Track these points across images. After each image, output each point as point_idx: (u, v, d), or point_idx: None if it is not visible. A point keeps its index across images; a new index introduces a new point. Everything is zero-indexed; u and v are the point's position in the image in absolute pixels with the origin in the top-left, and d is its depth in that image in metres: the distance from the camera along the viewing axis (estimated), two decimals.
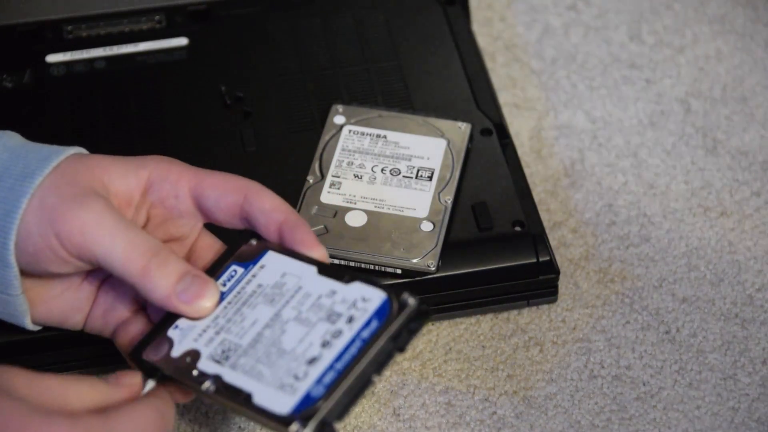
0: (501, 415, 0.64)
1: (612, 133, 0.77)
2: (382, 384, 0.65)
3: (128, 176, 0.57)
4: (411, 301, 0.53)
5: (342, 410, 0.51)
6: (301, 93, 0.74)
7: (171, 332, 0.55)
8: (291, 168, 0.69)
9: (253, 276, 0.56)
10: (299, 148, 0.71)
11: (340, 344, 0.52)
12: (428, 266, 0.64)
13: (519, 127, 0.78)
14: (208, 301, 0.55)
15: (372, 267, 0.65)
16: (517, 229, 0.67)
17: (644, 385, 0.65)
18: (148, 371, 0.54)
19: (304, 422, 0.50)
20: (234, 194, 0.57)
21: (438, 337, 0.67)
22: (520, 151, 0.73)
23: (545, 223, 0.69)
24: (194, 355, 0.54)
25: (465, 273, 0.65)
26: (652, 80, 0.81)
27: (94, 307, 0.59)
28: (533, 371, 0.65)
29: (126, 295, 0.59)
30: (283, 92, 0.74)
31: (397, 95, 0.74)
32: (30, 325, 0.59)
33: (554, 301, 0.68)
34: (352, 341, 0.52)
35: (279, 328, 0.54)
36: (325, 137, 0.70)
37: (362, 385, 0.51)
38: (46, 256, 0.55)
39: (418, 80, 0.75)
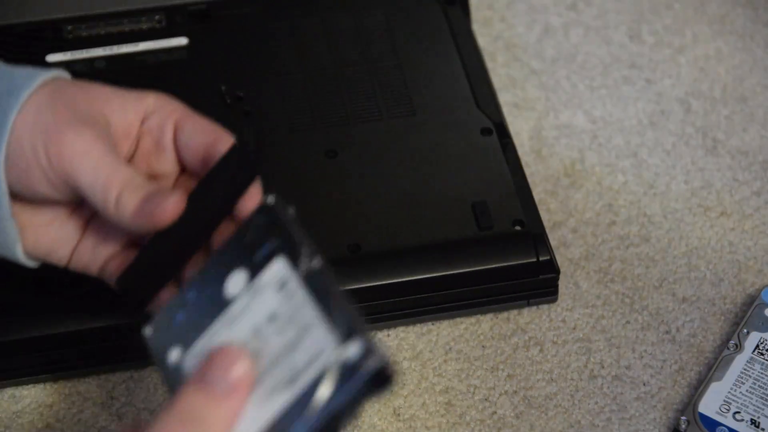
0: (501, 415, 0.64)
1: (612, 133, 0.77)
2: None
3: (127, 108, 0.58)
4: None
5: None
6: (301, 93, 0.74)
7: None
8: (291, 168, 0.69)
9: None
10: (299, 148, 0.71)
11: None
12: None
13: (519, 127, 0.78)
14: (168, 214, 0.53)
15: None
16: (517, 228, 0.67)
17: (644, 385, 0.65)
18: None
19: None
20: (205, 135, 0.57)
21: (438, 336, 0.67)
22: (520, 151, 0.73)
23: (545, 223, 0.69)
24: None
25: (465, 272, 0.65)
26: (652, 80, 0.81)
27: (83, 240, 0.59)
28: (533, 371, 0.65)
29: (118, 229, 0.57)
30: (283, 92, 0.74)
31: (397, 95, 0.74)
32: (21, 255, 0.58)
33: (554, 300, 0.68)
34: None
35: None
36: None
37: None
38: (35, 175, 0.55)
39: (418, 80, 0.74)
